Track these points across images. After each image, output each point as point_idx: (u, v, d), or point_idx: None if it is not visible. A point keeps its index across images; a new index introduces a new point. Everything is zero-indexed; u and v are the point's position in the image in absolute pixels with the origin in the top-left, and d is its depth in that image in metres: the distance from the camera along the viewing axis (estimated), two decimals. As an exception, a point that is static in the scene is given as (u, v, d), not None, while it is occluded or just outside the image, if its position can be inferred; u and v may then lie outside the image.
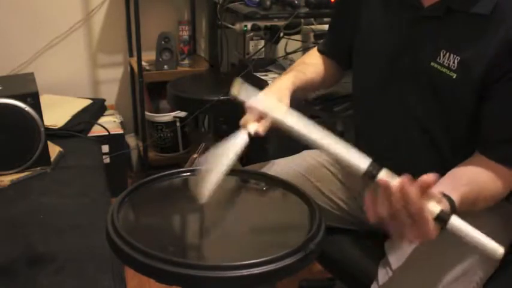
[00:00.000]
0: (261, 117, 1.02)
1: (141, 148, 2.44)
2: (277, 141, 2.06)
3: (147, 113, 2.40)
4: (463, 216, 0.76)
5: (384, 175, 0.75)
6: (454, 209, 0.76)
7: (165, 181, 1.01)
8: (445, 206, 0.76)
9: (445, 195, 0.78)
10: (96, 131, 2.07)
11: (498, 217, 1.00)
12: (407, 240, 0.74)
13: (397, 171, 0.75)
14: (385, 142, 1.07)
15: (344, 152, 0.80)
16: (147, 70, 2.31)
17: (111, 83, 2.55)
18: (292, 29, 2.30)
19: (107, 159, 2.08)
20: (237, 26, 2.16)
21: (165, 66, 2.32)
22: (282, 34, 2.29)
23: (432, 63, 0.95)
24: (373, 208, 0.74)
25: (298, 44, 2.37)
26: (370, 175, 0.76)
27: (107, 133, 2.08)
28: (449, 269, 0.90)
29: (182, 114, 2.37)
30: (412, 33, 0.99)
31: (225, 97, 1.79)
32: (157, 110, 2.43)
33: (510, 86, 0.89)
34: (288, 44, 2.41)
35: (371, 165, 0.77)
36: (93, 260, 1.14)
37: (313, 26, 2.34)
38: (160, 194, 0.99)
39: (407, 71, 1.00)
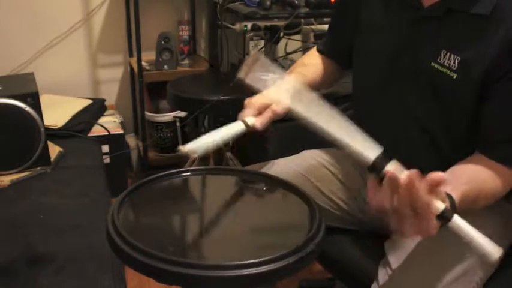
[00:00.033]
0: (259, 112, 1.02)
1: (141, 148, 2.44)
2: (277, 141, 2.06)
3: (147, 113, 2.40)
4: (464, 215, 0.76)
5: (392, 167, 0.74)
6: (454, 208, 0.76)
7: (165, 181, 1.01)
8: (446, 204, 0.76)
9: (445, 194, 0.78)
10: (96, 131, 2.07)
11: (498, 217, 1.00)
12: (407, 234, 0.73)
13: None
14: (385, 142, 1.06)
15: (352, 141, 0.79)
16: (147, 70, 2.31)
17: (111, 83, 2.55)
18: (292, 29, 2.30)
19: (107, 159, 2.08)
20: (237, 26, 2.16)
21: (165, 66, 2.33)
22: (282, 34, 2.30)
23: (433, 64, 0.95)
24: (376, 198, 0.73)
25: (298, 44, 2.37)
26: (377, 166, 0.75)
27: (107, 133, 2.08)
28: (449, 268, 0.90)
29: (182, 114, 2.37)
30: (412, 33, 0.99)
31: (225, 97, 1.79)
32: (157, 110, 2.43)
33: (510, 86, 0.89)
34: (288, 44, 2.41)
35: (379, 157, 0.76)
36: (93, 260, 1.14)
37: (313, 26, 2.34)
38: (160, 194, 0.99)
39: (407, 71, 1.00)
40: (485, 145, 0.93)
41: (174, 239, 0.88)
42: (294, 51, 2.38)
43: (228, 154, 2.09)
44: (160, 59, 2.32)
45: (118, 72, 2.56)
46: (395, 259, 0.99)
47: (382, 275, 0.99)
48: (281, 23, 2.12)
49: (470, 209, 0.84)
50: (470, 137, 0.95)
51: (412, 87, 1.00)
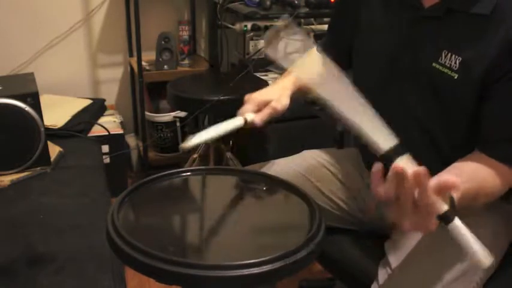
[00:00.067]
0: (259, 109, 1.03)
1: (141, 148, 2.44)
2: (277, 141, 2.06)
3: (147, 113, 2.40)
4: (464, 215, 0.76)
5: (403, 161, 0.73)
6: (453, 206, 0.75)
7: (165, 181, 1.01)
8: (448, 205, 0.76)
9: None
10: (96, 131, 2.07)
11: (498, 217, 1.00)
12: (406, 228, 0.73)
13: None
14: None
15: (369, 127, 0.77)
16: (147, 70, 2.31)
17: (111, 83, 2.55)
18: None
19: (107, 159, 2.08)
20: (237, 26, 2.16)
21: (165, 66, 2.33)
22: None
23: (434, 64, 0.95)
24: (379, 189, 0.72)
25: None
26: (389, 157, 0.74)
27: (107, 133, 2.08)
28: (449, 268, 0.90)
29: (182, 114, 2.37)
30: (412, 34, 0.99)
31: (225, 97, 1.79)
32: (157, 110, 2.43)
33: (510, 86, 0.89)
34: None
35: (392, 148, 0.74)
36: (93, 260, 1.14)
37: (313, 26, 2.34)
38: (160, 194, 0.99)
39: (407, 71, 1.00)
40: (485, 144, 0.93)
41: (174, 239, 0.88)
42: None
43: (228, 154, 2.09)
44: (160, 59, 2.32)
45: (118, 72, 2.56)
46: (395, 259, 1.00)
47: (382, 275, 0.99)
48: (281, 23, 2.12)
49: (470, 206, 0.84)
50: (470, 137, 0.95)
51: (412, 87, 1.00)
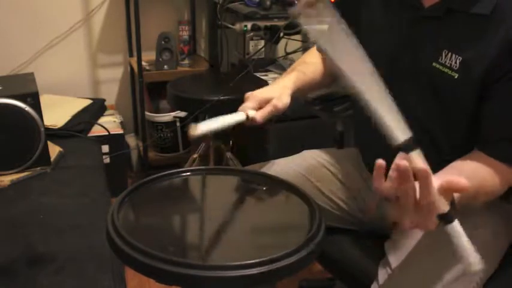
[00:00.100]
0: (260, 106, 1.03)
1: (141, 148, 2.44)
2: (277, 141, 2.06)
3: (147, 113, 2.40)
4: (465, 215, 0.76)
5: (416, 155, 0.71)
6: (453, 206, 0.75)
7: (165, 181, 1.01)
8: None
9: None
10: (96, 131, 2.07)
11: (498, 216, 1.00)
12: (405, 226, 0.73)
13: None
14: (385, 142, 1.07)
15: (387, 113, 0.75)
16: (147, 70, 2.31)
17: (111, 83, 2.55)
18: (292, 29, 2.30)
19: (107, 159, 2.08)
20: (237, 26, 2.16)
21: (165, 66, 2.33)
22: (282, 34, 2.30)
23: (434, 64, 0.95)
24: (382, 186, 0.71)
25: (298, 44, 2.37)
26: (405, 149, 0.72)
27: (107, 133, 2.08)
28: (449, 268, 0.90)
29: (182, 114, 2.37)
30: (412, 34, 0.99)
31: (225, 97, 1.79)
32: (157, 110, 2.43)
33: (510, 86, 0.89)
34: (288, 44, 2.41)
35: (409, 139, 0.73)
36: (93, 260, 1.14)
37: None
38: (160, 194, 0.99)
39: (408, 71, 1.00)
40: (485, 144, 0.93)
41: (174, 239, 0.88)
42: (294, 51, 2.38)
43: (228, 154, 2.09)
44: (160, 59, 2.32)
45: (118, 72, 2.56)
46: (395, 259, 0.99)
47: (382, 275, 0.99)
48: (281, 23, 2.12)
49: (470, 205, 0.84)
50: (470, 137, 0.95)
51: (412, 87, 1.00)
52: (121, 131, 2.21)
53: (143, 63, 2.27)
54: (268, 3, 2.04)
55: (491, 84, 0.90)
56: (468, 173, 0.88)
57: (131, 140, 2.53)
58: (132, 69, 2.48)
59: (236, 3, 2.19)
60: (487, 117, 0.92)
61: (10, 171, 1.52)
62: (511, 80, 0.88)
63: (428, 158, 1.04)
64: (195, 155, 2.12)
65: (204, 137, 2.10)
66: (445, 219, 0.72)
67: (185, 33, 2.46)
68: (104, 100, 2.34)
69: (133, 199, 0.92)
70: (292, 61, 2.26)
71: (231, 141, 2.25)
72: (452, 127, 0.97)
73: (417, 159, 0.71)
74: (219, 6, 2.26)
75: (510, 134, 0.91)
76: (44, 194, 1.44)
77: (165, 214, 0.95)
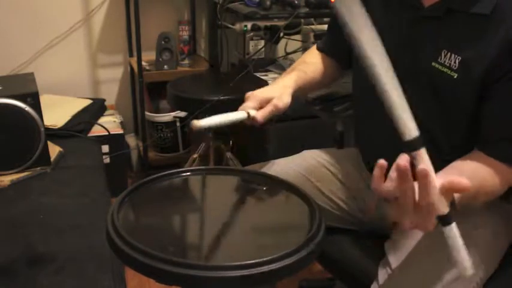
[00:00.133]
0: (260, 106, 1.03)
1: (141, 148, 2.44)
2: (277, 141, 2.06)
3: (147, 113, 2.40)
4: (465, 215, 0.76)
5: (423, 153, 0.71)
6: (453, 206, 0.75)
7: (165, 181, 1.01)
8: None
9: None
10: (96, 131, 2.07)
11: (498, 217, 1.00)
12: (404, 226, 0.73)
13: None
14: (385, 142, 1.07)
15: (400, 108, 0.73)
16: (147, 70, 2.31)
17: (111, 83, 2.55)
18: (292, 29, 2.30)
19: (107, 159, 2.08)
20: (237, 26, 2.16)
21: (165, 66, 2.33)
22: (282, 34, 2.30)
23: (433, 64, 0.95)
24: (381, 186, 0.71)
25: (298, 44, 2.37)
26: (414, 145, 0.72)
27: (107, 133, 2.08)
28: (449, 268, 0.90)
29: (182, 114, 2.37)
30: (412, 34, 0.99)
31: (225, 97, 1.79)
32: (157, 110, 2.43)
33: (510, 86, 0.89)
34: (288, 44, 2.41)
35: (419, 136, 0.72)
36: (93, 260, 1.14)
37: (313, 26, 2.34)
38: (160, 194, 0.99)
39: (408, 71, 1.00)
40: (485, 144, 0.93)
41: (174, 239, 0.88)
42: (294, 51, 2.38)
43: (228, 154, 2.09)
44: (160, 59, 2.32)
45: (118, 72, 2.56)
46: (395, 259, 0.99)
47: (382, 275, 0.99)
48: (281, 23, 2.12)
49: (469, 205, 0.84)
50: (470, 137, 0.95)
51: (412, 87, 0.99)
52: (121, 131, 2.21)
53: (143, 63, 2.27)
54: (268, 3, 2.04)
55: (491, 84, 0.90)
56: (468, 173, 0.88)
57: (131, 140, 2.53)
58: (132, 69, 2.47)
59: (236, 3, 2.19)
60: (487, 117, 0.92)
61: (10, 171, 1.52)
62: (511, 80, 0.88)
63: (428, 157, 1.04)
64: (195, 155, 2.12)
65: (204, 137, 2.10)
66: (444, 220, 0.72)
67: (185, 33, 2.46)
68: (104, 100, 2.34)
69: (133, 199, 0.92)
70: (292, 61, 2.26)
71: (231, 141, 2.25)
72: (452, 127, 0.97)
73: (423, 158, 0.71)
74: (219, 6, 2.25)
75: (510, 134, 0.91)
76: (44, 194, 1.44)
77: (165, 214, 0.95)
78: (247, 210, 0.99)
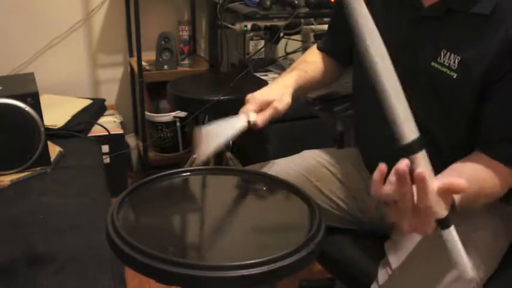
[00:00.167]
0: (261, 109, 1.02)
1: (141, 148, 2.44)
2: (277, 141, 2.06)
3: (147, 113, 2.40)
4: (465, 216, 0.76)
5: (421, 157, 0.71)
6: (454, 208, 0.75)
7: (165, 181, 1.01)
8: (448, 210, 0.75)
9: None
10: (96, 131, 2.07)
11: (498, 218, 1.00)
12: (404, 229, 0.73)
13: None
14: (385, 142, 1.07)
15: (398, 110, 0.73)
16: (147, 70, 2.31)
17: (111, 83, 2.55)
18: (292, 29, 2.30)
19: (107, 159, 2.08)
20: (237, 26, 2.16)
21: (165, 66, 2.33)
22: (282, 34, 2.30)
23: (433, 63, 0.95)
24: (380, 190, 0.71)
25: (298, 44, 2.37)
26: (411, 149, 0.71)
27: (107, 133, 2.08)
28: (449, 269, 0.89)
29: (182, 114, 2.37)
30: (412, 33, 0.99)
31: (225, 97, 1.79)
32: (157, 110, 2.43)
33: (510, 86, 0.88)
34: (288, 44, 2.41)
35: (417, 140, 0.72)
36: (93, 260, 1.14)
37: (313, 26, 2.34)
38: (160, 194, 0.99)
39: (407, 71, 0.99)
40: (485, 144, 0.93)
41: (174, 239, 0.88)
42: (294, 51, 2.38)
43: (228, 154, 2.09)
44: (160, 59, 2.32)
45: (118, 72, 2.55)
46: (395, 259, 0.99)
47: (382, 275, 0.99)
48: (281, 23, 2.12)
49: (470, 208, 0.84)
50: (470, 137, 0.95)
51: (412, 87, 0.99)
52: (121, 131, 2.21)
53: (143, 63, 2.27)
54: (268, 3, 2.04)
55: (491, 84, 0.90)
56: (468, 175, 0.88)
57: (131, 140, 2.53)
58: (132, 69, 2.47)
59: (236, 3, 2.19)
60: (487, 117, 0.92)
61: (10, 171, 1.52)
62: (511, 80, 0.88)
63: (428, 158, 1.04)
64: (195, 155, 2.12)
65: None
66: (442, 224, 0.72)
67: (185, 33, 2.46)
68: (104, 100, 2.34)
69: (133, 199, 0.92)
70: (292, 61, 2.26)
71: (231, 141, 2.25)
72: (452, 127, 0.97)
73: (421, 162, 0.71)
74: (219, 6, 2.25)
75: (510, 134, 0.91)
76: (44, 194, 1.44)
77: (165, 214, 0.95)
78: (247, 210, 0.99)
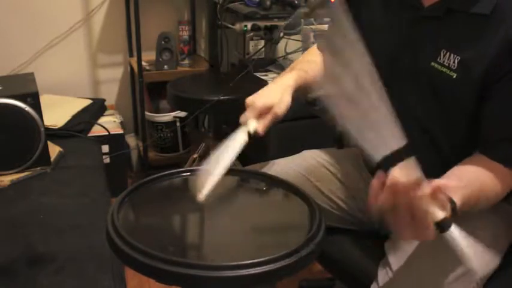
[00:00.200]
0: (260, 115, 1.02)
1: (141, 148, 2.44)
2: (277, 141, 2.06)
3: (147, 113, 2.40)
4: (465, 217, 0.76)
5: (398, 169, 0.71)
6: (455, 212, 0.76)
7: (165, 181, 1.01)
8: (447, 210, 0.75)
9: (448, 199, 0.78)
10: (96, 131, 2.07)
11: (499, 218, 1.00)
12: (405, 237, 0.73)
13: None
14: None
15: (368, 133, 0.73)
16: (147, 70, 2.31)
17: (111, 83, 2.55)
18: (292, 29, 2.30)
19: (107, 159, 2.08)
20: (237, 26, 2.16)
21: (165, 66, 2.33)
22: (282, 34, 2.29)
23: (432, 63, 0.95)
24: (377, 200, 0.72)
25: (298, 44, 2.37)
26: (383, 166, 0.71)
27: (107, 133, 2.08)
28: (449, 269, 0.89)
29: (182, 114, 2.37)
30: (412, 33, 0.99)
31: (225, 97, 1.79)
32: (157, 110, 2.43)
33: (510, 86, 0.88)
34: (288, 44, 2.41)
35: (386, 157, 0.71)
36: (93, 260, 1.14)
37: (313, 26, 2.34)
38: (160, 194, 0.99)
39: (407, 71, 1.00)
40: (485, 145, 0.93)
41: (174, 239, 0.88)
42: (294, 51, 2.38)
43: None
44: (160, 59, 2.32)
45: (118, 72, 2.55)
46: (395, 259, 0.99)
47: (382, 275, 0.99)
48: (281, 23, 2.12)
49: (472, 210, 0.84)
50: (470, 137, 0.95)
51: (412, 87, 1.00)
52: (121, 131, 2.21)
53: (143, 63, 2.27)
54: (268, 3, 2.04)
55: (491, 84, 0.90)
56: (469, 178, 0.88)
57: (131, 140, 2.53)
58: (132, 69, 2.47)
59: (236, 3, 2.19)
60: (487, 117, 0.92)
61: (10, 171, 1.52)
62: (511, 80, 0.88)
63: (428, 158, 1.04)
64: (195, 155, 2.12)
65: (204, 137, 2.10)
66: (440, 226, 0.72)
67: (185, 33, 2.46)
68: (104, 100, 2.34)
69: (133, 199, 0.92)
70: (292, 61, 2.25)
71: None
72: (452, 127, 0.97)
73: (407, 170, 0.71)
74: (219, 6, 2.25)
75: (510, 135, 0.91)
76: (44, 194, 1.44)
77: (165, 214, 0.95)
78: (247, 210, 0.99)
